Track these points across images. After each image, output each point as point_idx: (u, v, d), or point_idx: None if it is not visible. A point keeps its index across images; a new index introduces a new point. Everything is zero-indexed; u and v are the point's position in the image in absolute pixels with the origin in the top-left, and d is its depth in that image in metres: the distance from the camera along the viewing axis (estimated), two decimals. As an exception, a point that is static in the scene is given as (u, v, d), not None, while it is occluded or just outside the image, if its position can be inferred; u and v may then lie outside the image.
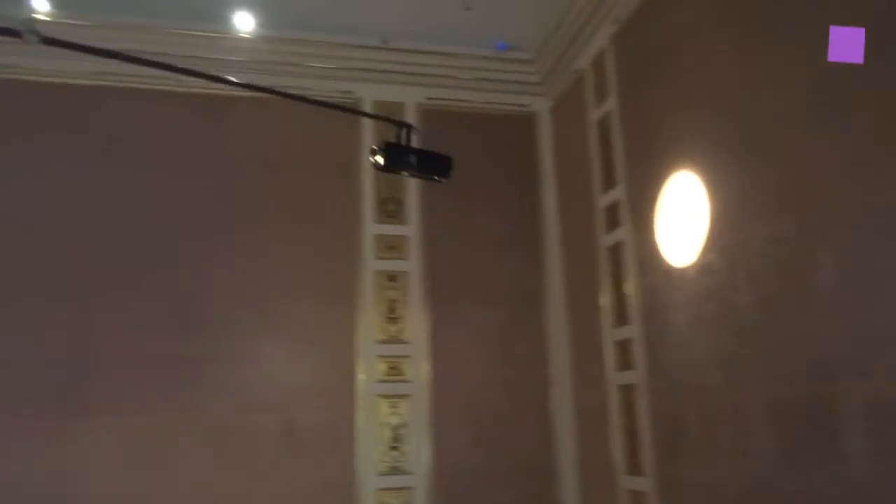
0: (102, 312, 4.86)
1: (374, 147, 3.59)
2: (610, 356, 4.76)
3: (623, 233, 4.65)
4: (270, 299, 5.11)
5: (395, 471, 5.05)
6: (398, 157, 3.59)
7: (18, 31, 2.76)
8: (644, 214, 4.38)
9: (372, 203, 5.47)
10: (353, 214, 5.42)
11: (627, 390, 4.54)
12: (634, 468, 4.43)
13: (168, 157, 5.20)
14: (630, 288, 4.52)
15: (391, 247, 5.43)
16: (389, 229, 5.45)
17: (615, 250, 4.76)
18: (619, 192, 4.73)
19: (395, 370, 5.22)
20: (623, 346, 4.60)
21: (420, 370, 5.26)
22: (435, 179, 3.81)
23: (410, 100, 5.66)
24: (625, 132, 4.68)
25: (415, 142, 3.77)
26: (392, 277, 5.38)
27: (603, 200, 4.95)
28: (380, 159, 3.54)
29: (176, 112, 5.28)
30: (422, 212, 5.53)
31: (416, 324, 5.33)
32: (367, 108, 5.50)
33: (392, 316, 5.31)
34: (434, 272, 5.44)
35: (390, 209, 5.51)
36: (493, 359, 5.40)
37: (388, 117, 3.42)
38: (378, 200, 5.49)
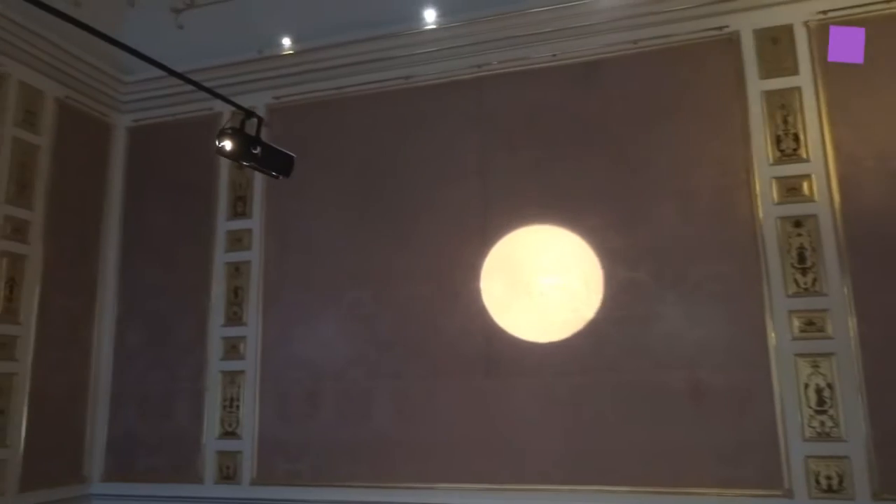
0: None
1: (223, 129, 3.55)
2: None
3: None
4: (665, 257, 4.98)
5: (824, 437, 4.50)
6: (244, 145, 3.56)
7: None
8: None
9: (762, 142, 4.92)
10: (741, 158, 4.95)
11: None
12: None
13: (548, 129, 5.42)
14: None
15: (792, 189, 4.81)
16: (789, 169, 4.82)
17: None
18: None
19: (812, 325, 4.64)
20: None
21: (844, 324, 4.58)
22: (273, 175, 3.74)
23: (797, 18, 4.95)
24: None
25: (264, 134, 3.74)
26: (798, 223, 4.76)
27: None
28: (227, 144, 3.50)
29: (548, 86, 5.48)
30: (827, 143, 4.78)
31: (833, 271, 4.65)
32: (749, 40, 5.02)
33: (802, 266, 4.72)
34: (849, 212, 4.67)
35: (788, 147, 4.88)
36: (944, 308, 4.43)
37: (240, 106, 3.49)
38: (771, 138, 4.91)
